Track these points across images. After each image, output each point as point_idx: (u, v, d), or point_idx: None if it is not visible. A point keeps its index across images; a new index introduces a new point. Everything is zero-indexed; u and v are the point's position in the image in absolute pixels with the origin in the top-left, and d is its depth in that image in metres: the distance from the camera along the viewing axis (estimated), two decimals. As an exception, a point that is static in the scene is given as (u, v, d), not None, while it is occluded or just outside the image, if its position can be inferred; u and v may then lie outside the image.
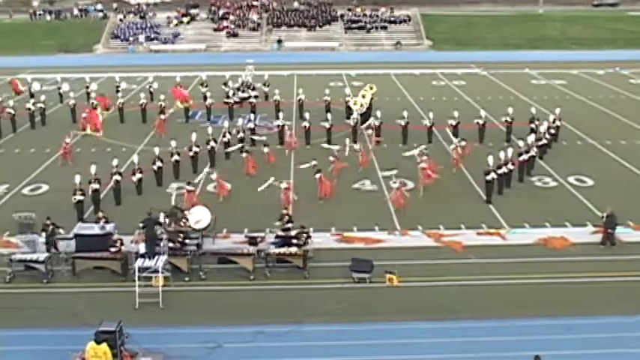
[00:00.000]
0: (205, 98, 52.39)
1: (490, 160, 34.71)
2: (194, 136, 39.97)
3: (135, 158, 36.86)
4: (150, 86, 58.09)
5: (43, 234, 27.53)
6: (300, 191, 34.57)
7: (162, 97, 52.01)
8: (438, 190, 35.11)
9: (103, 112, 51.28)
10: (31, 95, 55.59)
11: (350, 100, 49.87)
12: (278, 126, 44.62)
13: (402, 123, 44.24)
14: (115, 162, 35.47)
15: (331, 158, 37.39)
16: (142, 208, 29.33)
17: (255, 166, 38.27)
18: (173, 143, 38.67)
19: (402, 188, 33.34)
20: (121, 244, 27.12)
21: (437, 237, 30.15)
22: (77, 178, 32.65)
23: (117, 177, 34.72)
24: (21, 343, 22.19)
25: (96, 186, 33.18)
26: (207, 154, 40.05)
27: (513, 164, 35.73)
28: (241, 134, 42.62)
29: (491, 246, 29.37)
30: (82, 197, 32.37)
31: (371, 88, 50.04)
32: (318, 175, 34.50)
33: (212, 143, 40.27)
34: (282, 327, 22.82)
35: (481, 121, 44.62)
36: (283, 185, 33.11)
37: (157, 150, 37.81)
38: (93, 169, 33.82)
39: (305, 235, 27.46)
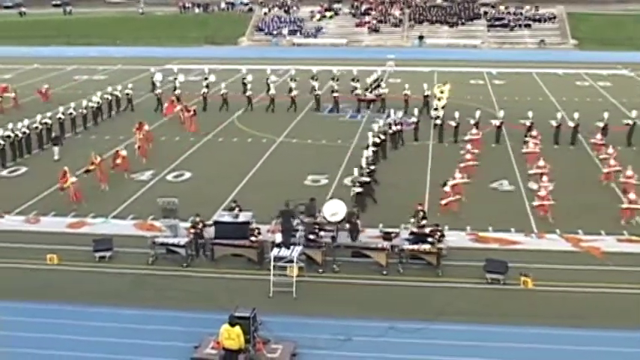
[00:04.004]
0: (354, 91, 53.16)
1: None
2: (376, 127, 40.52)
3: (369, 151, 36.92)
4: (243, 78, 58.25)
5: (191, 231, 28.09)
6: (436, 189, 34.51)
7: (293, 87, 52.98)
8: (577, 193, 34.18)
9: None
10: (153, 85, 57.24)
11: (430, 94, 50.46)
12: (413, 122, 44.49)
13: (527, 123, 43.05)
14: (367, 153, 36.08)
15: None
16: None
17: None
18: (372, 131, 39.20)
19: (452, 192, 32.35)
20: (259, 233, 27.71)
21: (575, 242, 29.35)
22: (355, 171, 33.38)
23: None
24: (159, 323, 23.03)
25: (364, 179, 33.34)
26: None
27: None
28: (393, 129, 42.72)
29: (632, 254, 28.27)
30: (360, 189, 32.74)
31: (445, 84, 49.95)
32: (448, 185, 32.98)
33: (382, 136, 40.41)
34: (413, 324, 22.73)
35: (601, 124, 42.90)
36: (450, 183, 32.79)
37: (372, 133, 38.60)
38: (363, 161, 34.35)
39: (439, 233, 27.33)
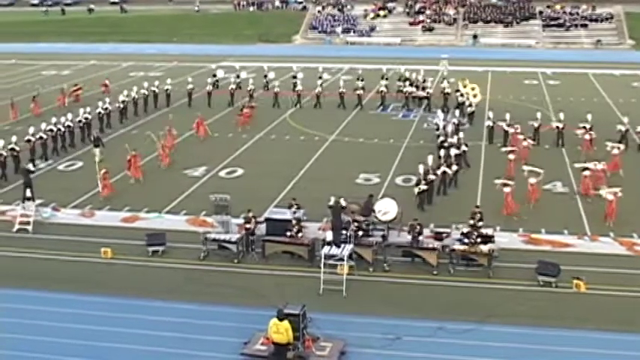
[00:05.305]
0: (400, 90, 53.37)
1: None
2: (450, 128, 40.59)
3: (452, 151, 36.42)
4: (293, 76, 58.26)
5: (245, 226, 28.32)
6: (490, 189, 34.29)
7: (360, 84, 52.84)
8: (632, 197, 33.58)
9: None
10: (215, 82, 57.58)
11: (450, 92, 50.97)
12: (453, 123, 44.11)
13: (587, 126, 41.54)
14: (442, 152, 36.22)
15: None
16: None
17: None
18: (459, 136, 39.09)
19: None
20: (298, 230, 27.80)
21: (629, 245, 28.89)
22: (421, 168, 33.03)
23: (445, 168, 34.65)
24: (209, 318, 23.24)
25: (432, 177, 33.23)
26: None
27: None
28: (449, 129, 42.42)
29: (688, 259, 27.77)
30: (425, 187, 32.58)
31: (464, 79, 50.58)
32: (507, 190, 32.33)
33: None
34: (462, 325, 22.63)
35: None
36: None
37: (456, 138, 38.56)
38: (430, 159, 34.17)
39: (475, 234, 27.07)
